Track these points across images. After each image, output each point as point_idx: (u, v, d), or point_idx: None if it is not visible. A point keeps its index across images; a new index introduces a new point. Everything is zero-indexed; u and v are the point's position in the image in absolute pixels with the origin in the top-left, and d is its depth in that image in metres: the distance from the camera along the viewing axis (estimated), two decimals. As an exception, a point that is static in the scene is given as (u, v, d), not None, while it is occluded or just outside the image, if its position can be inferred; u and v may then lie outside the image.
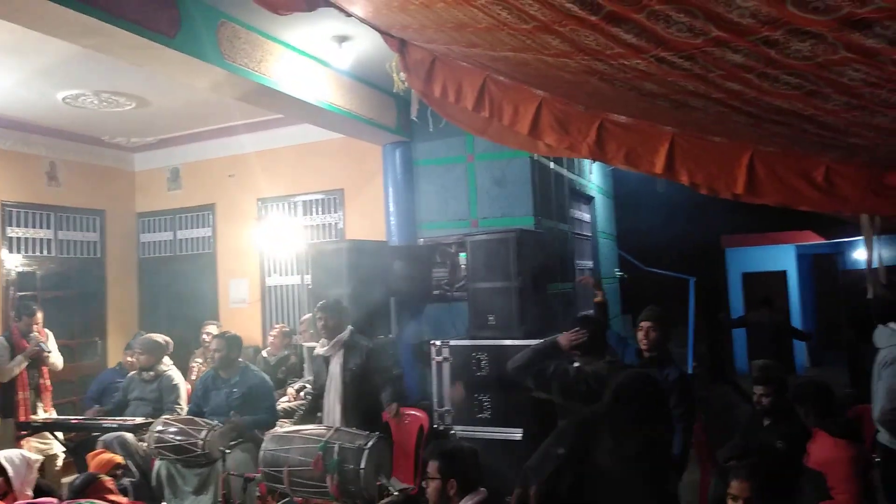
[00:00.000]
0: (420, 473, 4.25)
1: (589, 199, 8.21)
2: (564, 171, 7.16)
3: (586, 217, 8.07)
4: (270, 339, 6.40)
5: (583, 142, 3.34)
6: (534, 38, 1.97)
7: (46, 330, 5.66)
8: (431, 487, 2.47)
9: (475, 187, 6.38)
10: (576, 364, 3.34)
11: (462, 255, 6.03)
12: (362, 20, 3.49)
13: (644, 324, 3.77)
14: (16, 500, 3.21)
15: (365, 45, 4.92)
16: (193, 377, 6.09)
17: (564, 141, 3.41)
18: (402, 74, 3.86)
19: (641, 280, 8.62)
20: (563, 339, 3.35)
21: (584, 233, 7.91)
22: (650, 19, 1.48)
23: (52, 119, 6.45)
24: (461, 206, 6.42)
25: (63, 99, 5.82)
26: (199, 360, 6.41)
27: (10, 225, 6.69)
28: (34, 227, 6.94)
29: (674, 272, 8.37)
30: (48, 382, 5.58)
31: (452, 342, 5.11)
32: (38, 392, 5.46)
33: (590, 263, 7.97)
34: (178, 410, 5.09)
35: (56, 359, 5.61)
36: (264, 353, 6.25)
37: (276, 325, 6.57)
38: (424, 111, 5.10)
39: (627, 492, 2.43)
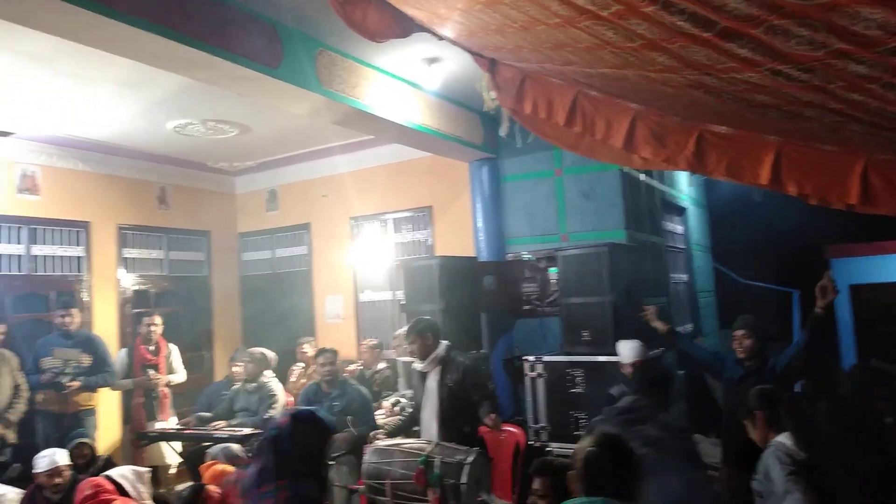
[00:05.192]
0: (518, 490, 4.25)
1: (681, 211, 7.99)
2: (655, 183, 7.01)
3: (679, 229, 7.86)
4: (362, 353, 6.58)
5: (680, 154, 3.27)
6: (639, 55, 1.97)
7: (171, 345, 6.06)
8: (543, 506, 2.46)
9: (564, 201, 6.34)
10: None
11: (552, 270, 5.99)
12: (454, 42, 3.57)
13: (737, 332, 3.80)
14: None
15: (453, 65, 5.02)
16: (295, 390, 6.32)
17: (661, 154, 3.35)
18: (493, 93, 3.91)
19: (740, 294, 8.27)
20: None
21: (678, 245, 7.70)
22: (767, 34, 1.46)
23: (163, 147, 6.88)
24: (550, 220, 6.39)
25: (173, 128, 6.22)
26: (298, 369, 6.63)
27: (126, 246, 7.20)
28: (147, 248, 7.45)
29: (775, 285, 7.99)
30: (166, 390, 5.96)
31: (546, 358, 5.09)
32: (158, 399, 5.85)
33: (684, 277, 7.74)
34: (266, 417, 5.32)
35: (175, 377, 6.00)
36: (351, 367, 6.37)
37: (365, 340, 6.73)
38: (512, 127, 5.14)
39: None
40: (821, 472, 2.60)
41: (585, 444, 2.18)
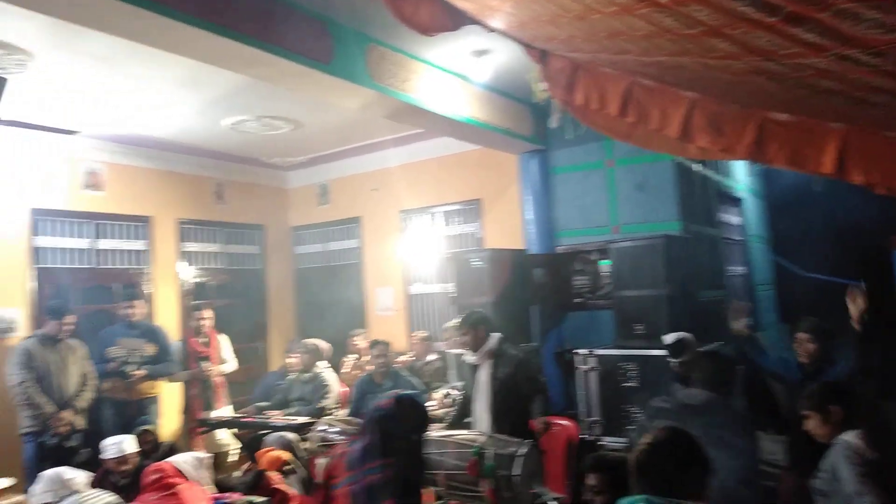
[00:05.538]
0: (570, 484, 4.23)
1: (738, 201, 7.78)
2: (710, 173, 6.84)
3: (735, 220, 7.65)
4: (413, 344, 6.64)
5: (740, 143, 3.18)
6: (698, 42, 1.93)
7: (221, 335, 6.24)
8: (599, 502, 2.43)
9: (615, 193, 6.24)
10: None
11: (602, 263, 5.92)
12: (504, 34, 3.55)
13: (800, 335, 3.68)
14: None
15: (502, 56, 5.00)
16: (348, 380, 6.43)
17: (719, 143, 3.26)
18: (543, 84, 3.87)
19: (800, 287, 8.00)
20: None
21: (734, 237, 7.50)
22: (835, 17, 1.40)
23: (219, 143, 7.07)
24: (601, 212, 6.31)
25: (229, 125, 6.38)
26: (351, 360, 6.72)
27: (186, 240, 7.44)
28: (205, 241, 7.68)
29: (837, 277, 7.70)
30: (220, 379, 6.15)
31: (598, 351, 5.04)
32: (212, 389, 6.04)
33: (742, 269, 7.54)
34: (320, 406, 5.43)
35: (226, 367, 6.17)
36: (402, 359, 6.44)
37: (416, 332, 6.78)
38: (562, 118, 5.09)
39: None
40: (892, 472, 2.51)
41: (643, 441, 2.15)
